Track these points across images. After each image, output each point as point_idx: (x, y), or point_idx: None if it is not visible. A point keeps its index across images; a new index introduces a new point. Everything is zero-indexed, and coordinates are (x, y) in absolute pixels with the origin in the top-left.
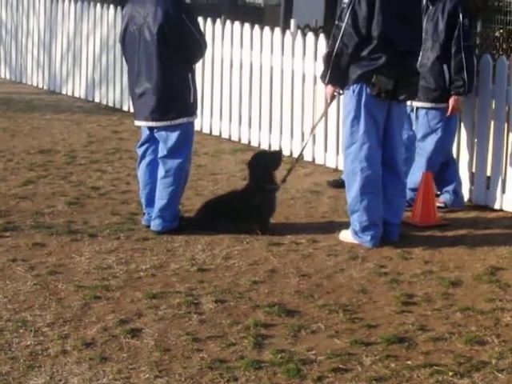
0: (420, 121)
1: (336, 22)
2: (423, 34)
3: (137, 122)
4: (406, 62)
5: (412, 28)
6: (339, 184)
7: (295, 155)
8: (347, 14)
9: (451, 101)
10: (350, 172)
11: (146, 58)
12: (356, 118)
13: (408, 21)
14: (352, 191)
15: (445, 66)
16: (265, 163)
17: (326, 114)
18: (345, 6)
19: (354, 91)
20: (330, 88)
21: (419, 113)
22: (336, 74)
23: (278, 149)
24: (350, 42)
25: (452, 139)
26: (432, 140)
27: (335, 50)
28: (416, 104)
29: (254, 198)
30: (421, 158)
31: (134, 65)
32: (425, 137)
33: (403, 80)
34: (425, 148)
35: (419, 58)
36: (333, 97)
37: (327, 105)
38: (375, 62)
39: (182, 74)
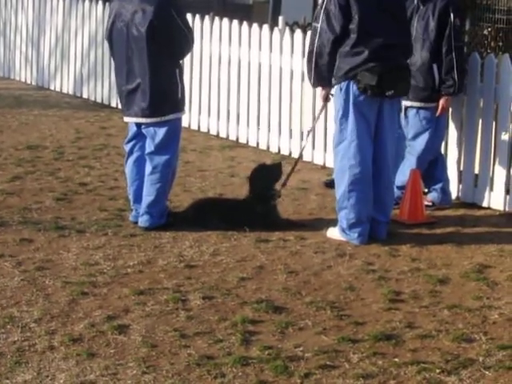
0: (410, 120)
1: (313, 24)
2: (413, 31)
3: (126, 119)
4: (391, 56)
5: (394, 20)
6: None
7: (283, 152)
8: (321, 14)
9: (442, 101)
10: (340, 170)
11: (134, 54)
12: (344, 115)
13: (389, 13)
14: (340, 188)
15: (434, 66)
16: (265, 177)
17: (320, 114)
18: (319, 6)
19: (341, 89)
20: (322, 90)
21: (409, 112)
22: (320, 74)
23: (278, 161)
24: (327, 40)
25: (442, 138)
26: (423, 140)
27: (314, 50)
28: (405, 103)
29: (256, 207)
30: (410, 157)
31: (122, 61)
32: (415, 136)
33: (389, 75)
34: (415, 147)
35: (411, 53)
36: (327, 98)
37: (322, 107)
38: (358, 56)
39: (171, 70)
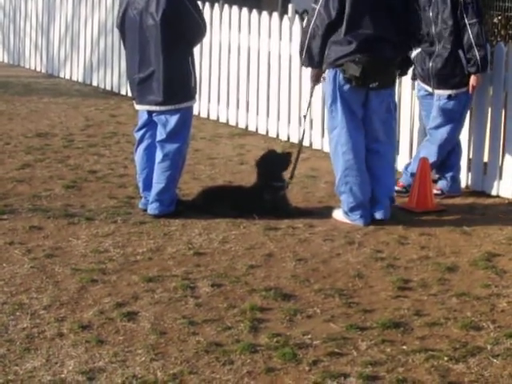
0: (436, 110)
1: (312, 5)
2: (433, 25)
3: (138, 107)
4: (377, 49)
5: (387, 14)
6: None
7: (293, 140)
8: None
9: (471, 80)
10: (335, 155)
11: (148, 43)
12: (333, 103)
13: (384, 7)
14: (338, 174)
15: (460, 52)
16: (273, 164)
17: (311, 96)
18: None
19: (329, 77)
20: (312, 71)
21: (436, 102)
22: (311, 55)
23: (287, 151)
24: (321, 23)
25: (461, 129)
26: (445, 130)
27: (309, 31)
28: (437, 92)
29: (263, 194)
30: (429, 146)
31: (135, 50)
32: (439, 126)
33: (373, 67)
34: (436, 136)
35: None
36: (317, 80)
37: (311, 88)
38: (346, 46)
39: (184, 58)
